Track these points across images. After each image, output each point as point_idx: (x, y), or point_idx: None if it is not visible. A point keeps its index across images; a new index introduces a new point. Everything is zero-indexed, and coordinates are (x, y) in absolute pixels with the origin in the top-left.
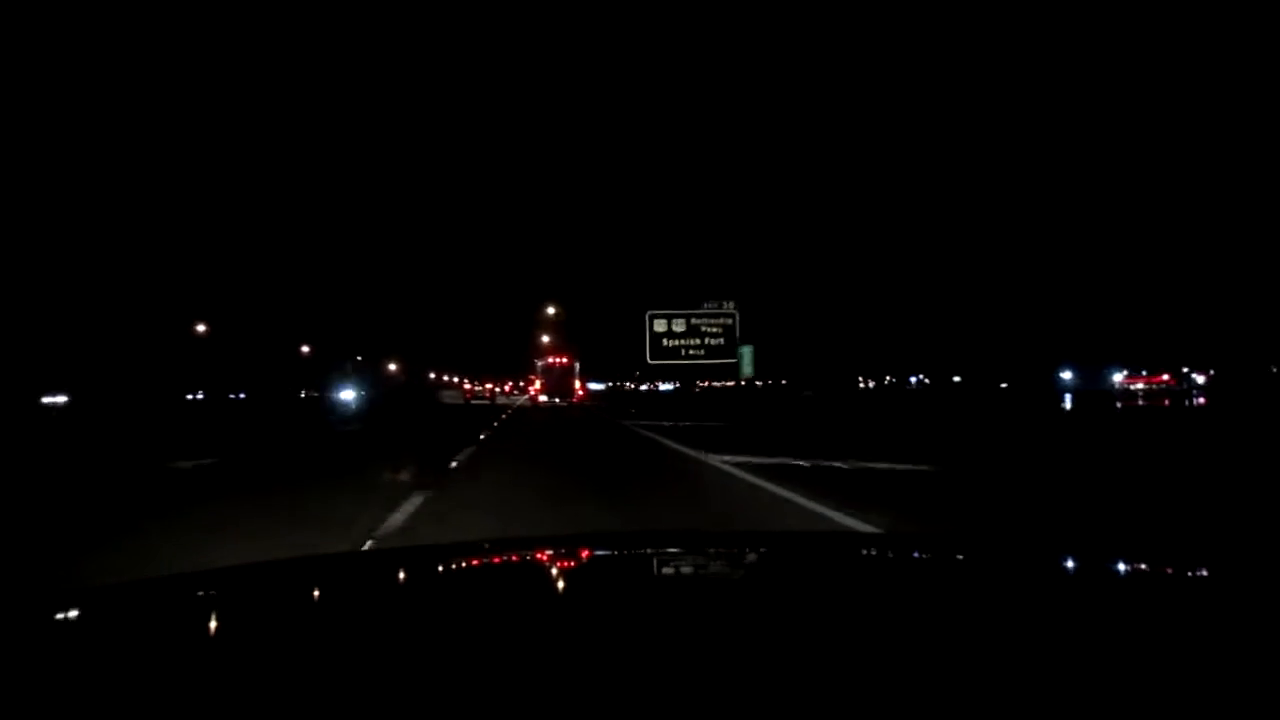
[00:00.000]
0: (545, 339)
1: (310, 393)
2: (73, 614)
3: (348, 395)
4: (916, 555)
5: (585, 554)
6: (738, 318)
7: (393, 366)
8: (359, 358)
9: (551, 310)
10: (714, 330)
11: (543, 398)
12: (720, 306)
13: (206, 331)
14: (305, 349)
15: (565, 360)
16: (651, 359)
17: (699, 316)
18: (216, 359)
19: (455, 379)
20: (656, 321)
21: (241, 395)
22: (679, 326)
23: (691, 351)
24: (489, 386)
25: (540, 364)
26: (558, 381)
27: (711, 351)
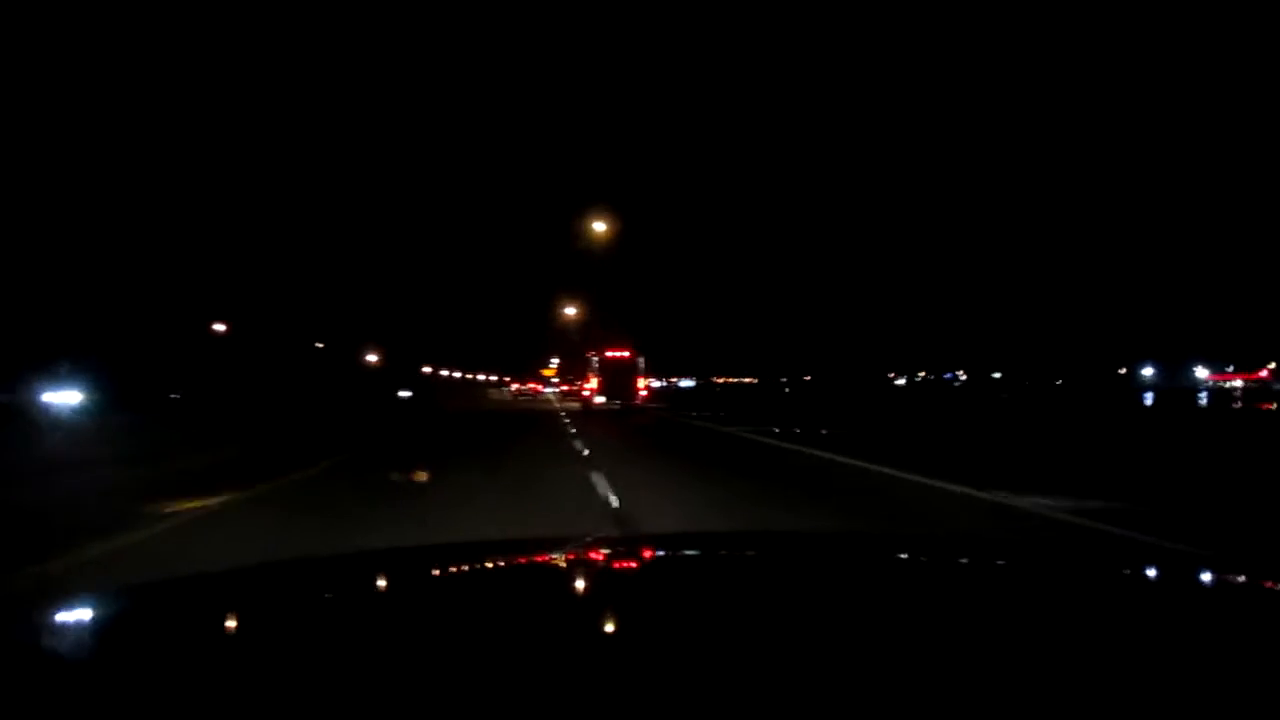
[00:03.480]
0: (571, 314)
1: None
2: (80, 617)
3: (60, 399)
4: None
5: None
6: None
7: (372, 357)
8: (318, 344)
9: (595, 235)
10: None
11: (599, 399)
12: None
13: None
14: (220, 327)
15: (627, 354)
16: None
17: None
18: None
19: (478, 375)
20: None
21: None
22: None
23: None
24: (532, 386)
25: (596, 358)
26: (618, 379)
27: None
